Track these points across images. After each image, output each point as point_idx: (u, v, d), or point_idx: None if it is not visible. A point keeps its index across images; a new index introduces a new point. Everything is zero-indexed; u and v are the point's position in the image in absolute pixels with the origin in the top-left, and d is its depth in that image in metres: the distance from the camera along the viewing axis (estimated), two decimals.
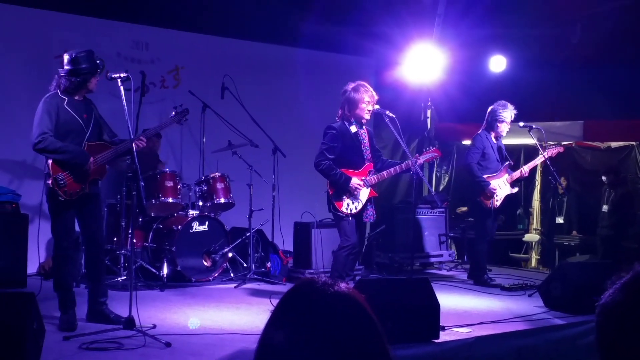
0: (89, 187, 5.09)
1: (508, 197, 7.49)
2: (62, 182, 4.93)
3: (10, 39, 7.46)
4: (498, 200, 7.29)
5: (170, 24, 8.38)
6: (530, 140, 7.84)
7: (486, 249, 7.46)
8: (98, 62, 5.10)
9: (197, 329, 5.00)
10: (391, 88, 9.34)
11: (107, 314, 5.09)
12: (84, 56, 5.03)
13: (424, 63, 9.39)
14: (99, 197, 5.30)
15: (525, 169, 7.48)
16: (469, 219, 8.61)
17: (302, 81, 9.19)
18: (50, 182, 4.93)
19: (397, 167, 5.93)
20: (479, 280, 7.38)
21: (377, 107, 6.00)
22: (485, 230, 7.38)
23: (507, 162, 7.42)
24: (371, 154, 6.01)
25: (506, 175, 7.33)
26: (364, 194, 5.84)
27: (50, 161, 4.95)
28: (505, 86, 9.15)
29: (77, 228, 5.33)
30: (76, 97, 5.09)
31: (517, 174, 7.37)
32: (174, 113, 5.83)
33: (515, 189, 7.47)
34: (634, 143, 9.48)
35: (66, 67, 5.02)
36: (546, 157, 7.39)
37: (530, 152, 8.10)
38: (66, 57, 5.06)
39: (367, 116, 5.93)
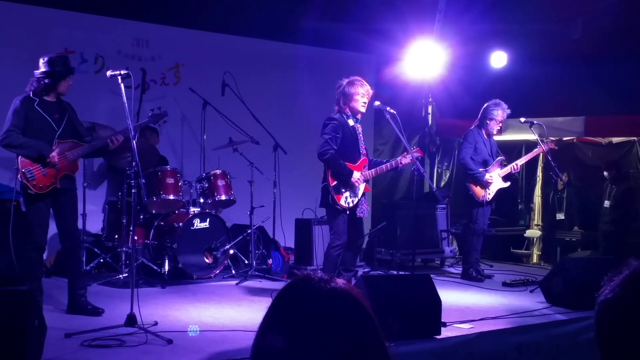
0: (60, 182, 5.25)
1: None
2: (30, 176, 5.15)
3: (10, 37, 7.45)
4: (490, 193, 7.32)
5: (170, 21, 8.36)
6: (532, 136, 7.84)
7: (477, 242, 7.41)
8: (72, 67, 5.33)
9: (199, 326, 5.00)
10: (392, 84, 9.34)
11: (84, 306, 5.28)
12: (58, 60, 5.27)
13: (424, 59, 9.38)
14: (73, 192, 5.45)
15: (517, 163, 7.50)
16: None
17: (302, 78, 9.17)
18: (19, 176, 5.17)
19: (387, 165, 5.97)
20: (465, 274, 7.38)
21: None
22: (475, 223, 7.36)
23: (500, 158, 7.45)
24: None
25: (498, 169, 7.38)
26: (360, 188, 5.85)
27: (20, 157, 5.17)
28: (506, 82, 9.14)
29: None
30: (48, 99, 5.28)
31: (508, 169, 7.39)
32: (150, 114, 5.92)
33: (508, 183, 7.48)
34: (635, 138, 9.46)
35: (40, 70, 5.24)
36: (538, 152, 7.57)
37: (531, 148, 8.10)
38: (41, 60, 5.27)
39: (362, 109, 5.88)
